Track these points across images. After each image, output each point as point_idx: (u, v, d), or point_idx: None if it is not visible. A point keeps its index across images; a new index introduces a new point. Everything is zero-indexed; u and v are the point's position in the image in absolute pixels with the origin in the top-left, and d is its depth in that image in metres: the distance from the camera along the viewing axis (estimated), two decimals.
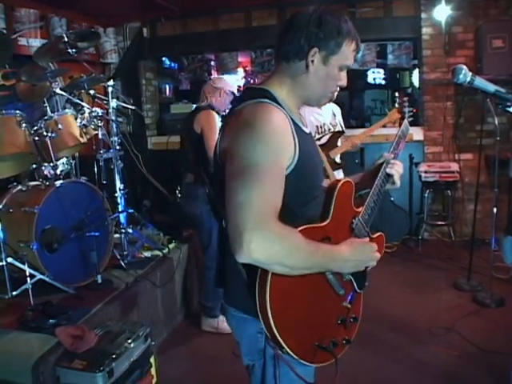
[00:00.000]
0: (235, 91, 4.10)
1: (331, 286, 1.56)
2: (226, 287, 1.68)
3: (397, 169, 1.83)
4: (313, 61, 1.56)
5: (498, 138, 4.04)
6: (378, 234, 1.78)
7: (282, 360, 1.51)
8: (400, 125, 2.04)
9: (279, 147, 1.43)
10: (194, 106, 6.94)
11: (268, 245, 1.30)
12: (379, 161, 1.86)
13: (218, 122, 3.76)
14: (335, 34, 1.54)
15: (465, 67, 1.83)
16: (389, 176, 1.83)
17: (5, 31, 4.94)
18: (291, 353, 1.43)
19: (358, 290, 1.70)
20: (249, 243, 1.27)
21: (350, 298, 1.66)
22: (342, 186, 1.60)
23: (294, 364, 1.50)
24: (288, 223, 1.37)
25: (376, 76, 9.44)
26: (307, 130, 1.68)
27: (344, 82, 1.66)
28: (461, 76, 1.83)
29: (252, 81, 9.68)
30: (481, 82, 1.85)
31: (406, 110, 2.06)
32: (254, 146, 1.39)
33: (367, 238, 1.69)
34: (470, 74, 1.84)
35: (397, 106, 2.07)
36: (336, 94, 1.72)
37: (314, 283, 1.48)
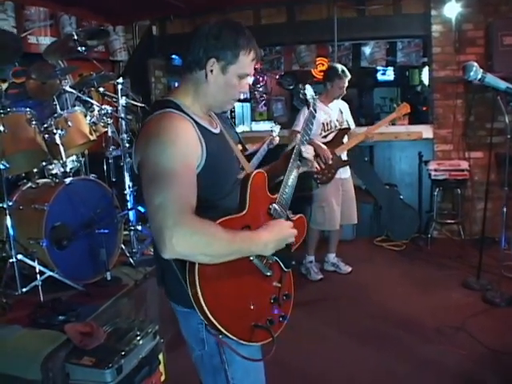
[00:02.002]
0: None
1: (257, 268, 1.67)
2: (166, 285, 1.77)
3: (308, 150, 1.96)
4: (212, 70, 1.67)
5: (509, 136, 4.00)
6: (298, 215, 1.92)
7: (223, 345, 1.62)
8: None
9: (185, 150, 1.55)
10: None
11: (187, 238, 1.39)
12: (289, 148, 1.99)
13: None
14: (232, 45, 1.65)
15: (476, 64, 1.83)
16: (303, 159, 1.95)
17: (15, 30, 4.97)
18: (230, 335, 1.55)
19: (286, 270, 1.81)
20: (170, 239, 1.36)
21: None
22: (255, 177, 1.74)
23: (237, 346, 1.61)
24: (210, 215, 1.49)
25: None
26: (216, 131, 1.78)
27: (245, 88, 1.77)
28: (472, 73, 1.83)
29: (261, 78, 9.69)
30: (492, 79, 1.85)
31: (309, 97, 2.12)
32: (161, 152, 1.50)
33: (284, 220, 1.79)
34: (481, 70, 1.83)
35: (301, 96, 2.08)
36: (236, 100, 1.82)
37: (240, 268, 1.59)
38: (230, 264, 1.51)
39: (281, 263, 1.77)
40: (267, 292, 1.73)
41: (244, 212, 1.66)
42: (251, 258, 1.63)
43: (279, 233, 1.65)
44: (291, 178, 1.88)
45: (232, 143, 1.91)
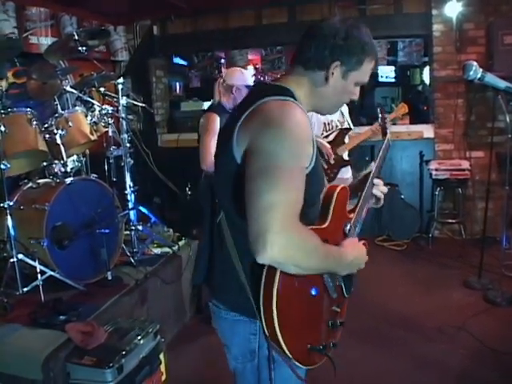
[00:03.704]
0: (251, 83, 3.89)
1: (327, 288, 1.59)
2: (215, 285, 1.68)
3: (382, 190, 1.86)
4: (333, 73, 1.55)
5: (510, 136, 4.00)
6: (362, 241, 1.80)
7: (279, 360, 1.52)
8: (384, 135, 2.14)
9: (303, 147, 1.43)
10: (204, 103, 7.01)
11: (290, 247, 1.29)
12: (365, 171, 1.89)
13: (217, 125, 3.52)
14: (359, 51, 1.54)
15: (475, 63, 1.83)
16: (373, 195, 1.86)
17: (16, 32, 4.97)
18: (288, 353, 1.43)
19: (346, 295, 1.72)
20: (273, 245, 1.25)
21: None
22: (341, 191, 1.65)
23: (286, 368, 1.51)
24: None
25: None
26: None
27: (357, 96, 1.67)
28: (471, 72, 1.83)
29: (262, 78, 9.69)
30: (491, 79, 1.85)
31: (388, 125, 2.10)
32: (281, 144, 1.36)
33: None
34: (481, 70, 1.83)
35: (379, 121, 2.13)
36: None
37: (313, 285, 1.51)
38: (306, 278, 1.44)
39: (344, 287, 1.68)
40: (327, 315, 1.64)
41: (326, 225, 1.57)
42: (324, 276, 1.55)
43: (360, 255, 1.60)
44: (364, 202, 1.79)
45: None
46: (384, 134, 2.08)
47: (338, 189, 1.64)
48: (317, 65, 1.55)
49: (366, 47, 1.56)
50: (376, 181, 1.84)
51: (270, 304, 1.37)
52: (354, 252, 1.56)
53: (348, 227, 1.70)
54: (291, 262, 1.33)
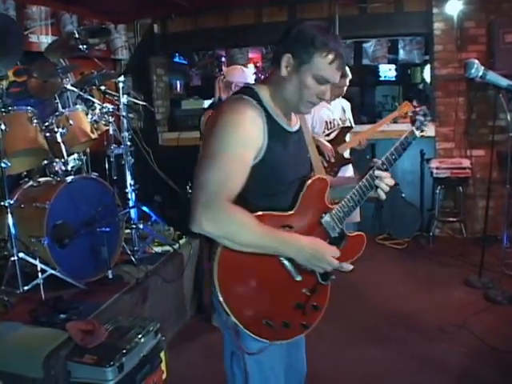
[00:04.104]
0: (251, 81, 3.90)
1: (287, 270, 1.65)
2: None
3: (387, 182, 1.81)
4: (287, 67, 1.64)
5: (511, 134, 4.00)
6: (357, 233, 1.85)
7: (231, 329, 1.64)
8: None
9: (245, 138, 1.57)
10: (205, 101, 7.01)
11: (216, 220, 1.48)
12: (370, 164, 1.87)
13: None
14: (308, 44, 1.60)
15: (477, 61, 1.82)
16: (377, 186, 1.82)
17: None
18: (235, 320, 1.58)
19: (322, 282, 1.75)
20: (200, 216, 1.47)
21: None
22: (313, 181, 1.72)
23: (252, 340, 1.63)
24: (252, 207, 1.56)
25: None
26: (291, 129, 1.76)
27: (325, 95, 1.69)
28: (473, 70, 1.82)
29: (263, 77, 9.68)
30: (493, 77, 1.84)
31: (419, 118, 2.03)
32: (221, 134, 1.56)
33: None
34: (482, 68, 1.83)
35: (410, 114, 2.01)
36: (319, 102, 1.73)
37: (266, 264, 1.61)
38: (257, 256, 1.55)
39: (318, 274, 1.72)
40: (291, 296, 1.70)
41: (291, 212, 1.66)
42: (281, 259, 1.63)
43: (319, 251, 1.61)
44: (357, 195, 1.79)
45: (311, 144, 1.90)
46: (412, 122, 2.02)
47: (312, 179, 1.72)
48: (276, 62, 1.67)
49: (316, 41, 1.59)
50: (378, 173, 1.81)
51: (213, 273, 1.55)
52: (308, 243, 1.60)
53: (325, 217, 1.74)
54: (222, 235, 1.51)
